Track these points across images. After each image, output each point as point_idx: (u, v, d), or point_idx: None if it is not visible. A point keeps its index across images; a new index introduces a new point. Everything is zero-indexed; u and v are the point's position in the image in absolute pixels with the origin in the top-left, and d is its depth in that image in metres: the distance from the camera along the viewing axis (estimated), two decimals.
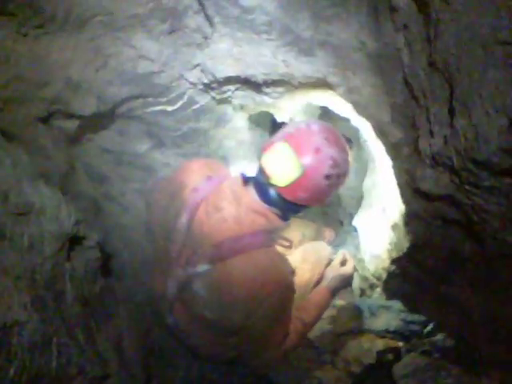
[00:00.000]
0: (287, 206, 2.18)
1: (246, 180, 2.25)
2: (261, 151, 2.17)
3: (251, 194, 2.20)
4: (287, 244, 2.33)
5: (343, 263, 2.79)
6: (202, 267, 2.16)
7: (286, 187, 2.08)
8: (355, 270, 2.86)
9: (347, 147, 2.21)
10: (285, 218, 2.28)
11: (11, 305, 1.42)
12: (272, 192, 2.14)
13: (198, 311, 2.24)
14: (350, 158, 2.24)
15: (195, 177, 2.36)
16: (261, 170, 2.14)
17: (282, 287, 2.16)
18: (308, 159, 2.04)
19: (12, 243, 1.55)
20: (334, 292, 2.69)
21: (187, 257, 2.23)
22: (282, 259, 2.24)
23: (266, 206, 2.19)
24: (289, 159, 2.06)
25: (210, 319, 2.21)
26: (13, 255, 1.54)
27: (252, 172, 2.28)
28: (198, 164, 2.48)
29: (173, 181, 2.48)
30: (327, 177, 2.07)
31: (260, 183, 2.17)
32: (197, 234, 2.21)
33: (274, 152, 2.10)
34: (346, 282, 2.78)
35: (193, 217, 2.23)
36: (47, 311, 1.60)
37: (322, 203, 2.23)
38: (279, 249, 2.30)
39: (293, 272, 2.28)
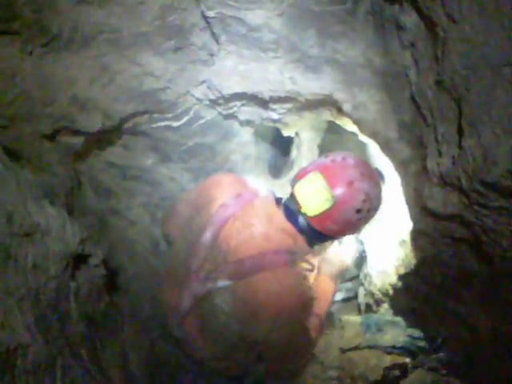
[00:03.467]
0: (315, 234, 2.23)
1: (278, 201, 2.27)
2: (295, 178, 2.24)
3: (282, 215, 2.24)
4: (310, 268, 2.34)
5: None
6: (223, 282, 2.17)
7: (316, 217, 2.14)
8: (353, 254, 2.80)
9: (380, 182, 2.26)
10: (312, 244, 2.32)
11: (15, 327, 1.40)
12: (301, 219, 2.19)
13: (215, 325, 2.24)
14: (382, 193, 2.29)
15: (225, 192, 2.38)
16: (292, 197, 2.20)
17: (303, 304, 2.20)
18: (340, 192, 2.09)
19: (16, 264, 1.54)
20: (335, 278, 2.67)
21: (208, 271, 2.24)
22: (303, 278, 2.26)
23: (296, 228, 2.23)
24: (321, 190, 2.11)
25: (229, 333, 2.21)
26: (17, 276, 1.53)
27: (279, 193, 2.35)
28: (228, 179, 2.51)
29: (200, 193, 2.49)
30: (358, 211, 2.12)
31: (290, 208, 2.21)
32: (222, 249, 2.23)
33: (308, 181, 2.15)
34: (342, 266, 2.73)
35: (219, 232, 2.24)
36: (51, 332, 1.59)
37: (349, 235, 2.31)
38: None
39: (311, 287, 2.29)
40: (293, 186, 2.21)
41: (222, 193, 2.37)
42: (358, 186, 2.11)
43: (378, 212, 2.29)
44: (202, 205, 2.39)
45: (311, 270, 2.35)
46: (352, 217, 2.13)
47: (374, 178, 2.21)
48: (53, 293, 1.67)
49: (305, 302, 2.23)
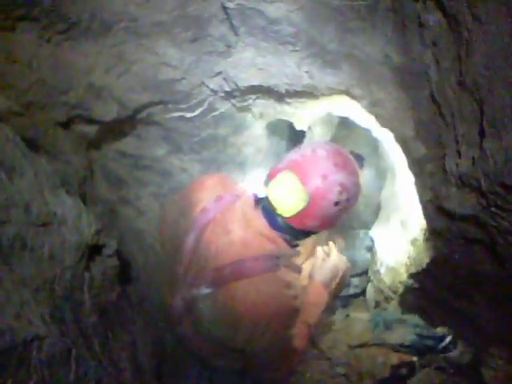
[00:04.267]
0: (296, 232, 2.15)
1: (258, 201, 2.21)
2: (267, 178, 2.12)
3: (261, 218, 2.15)
4: (296, 270, 2.29)
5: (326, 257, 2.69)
6: (205, 290, 2.13)
7: (293, 217, 2.05)
8: (342, 256, 2.70)
9: (356, 167, 2.16)
10: (294, 244, 2.25)
11: (31, 318, 1.40)
12: (279, 220, 2.10)
13: (203, 329, 2.23)
14: (361, 177, 2.19)
15: (206, 195, 2.30)
16: (268, 199, 2.09)
17: (283, 314, 2.12)
18: (314, 188, 2.00)
19: (32, 254, 1.54)
20: (328, 286, 2.60)
21: (192, 277, 2.21)
22: (285, 286, 2.16)
23: (275, 231, 2.14)
24: (294, 190, 2.01)
25: (215, 337, 2.19)
26: (33, 266, 1.53)
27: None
28: (211, 181, 2.43)
29: (185, 196, 2.43)
30: (336, 203, 2.02)
31: (268, 210, 2.13)
32: (202, 255, 2.17)
33: (279, 182, 2.05)
34: (335, 273, 2.65)
35: (200, 237, 2.20)
36: (66, 323, 1.59)
37: (332, 227, 2.20)
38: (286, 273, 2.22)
39: (296, 296, 2.23)
40: (266, 186, 2.11)
41: (204, 195, 2.30)
42: (332, 178, 2.01)
43: (358, 199, 2.19)
44: (185, 208, 2.34)
45: (298, 272, 2.30)
46: (331, 210, 2.04)
47: (349, 166, 2.10)
48: (67, 283, 1.67)
49: (285, 310, 2.13)
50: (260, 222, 2.14)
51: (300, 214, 2.03)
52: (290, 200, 2.02)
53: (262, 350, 2.16)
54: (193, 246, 2.18)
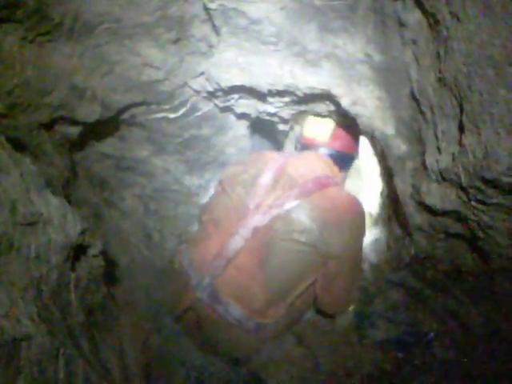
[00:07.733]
0: (337, 157, 2.93)
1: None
2: (301, 131, 3.10)
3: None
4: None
5: None
6: (291, 204, 2.48)
7: (331, 140, 2.94)
8: None
9: None
10: (342, 169, 2.99)
11: (20, 317, 1.40)
12: (323, 149, 2.93)
13: (283, 248, 2.47)
14: None
15: (271, 153, 2.89)
16: (307, 140, 3.02)
17: (361, 210, 2.64)
18: None
19: (19, 254, 1.54)
20: None
21: (271, 202, 2.52)
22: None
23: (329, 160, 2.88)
24: (322, 120, 2.97)
25: (303, 249, 2.46)
26: (20, 266, 1.53)
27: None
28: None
29: (251, 157, 2.92)
30: None
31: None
32: (287, 180, 2.60)
33: (311, 121, 3.03)
34: None
35: (281, 170, 2.63)
36: (54, 322, 1.59)
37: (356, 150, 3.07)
38: None
39: None
40: (301, 135, 3.08)
41: (269, 153, 2.89)
42: None
43: None
44: (255, 161, 2.77)
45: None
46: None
47: None
48: (54, 283, 1.67)
49: (361, 207, 2.65)
50: (321, 155, 2.90)
51: (334, 135, 2.96)
52: (324, 127, 2.98)
53: (351, 254, 2.58)
54: (273, 178, 2.61)
